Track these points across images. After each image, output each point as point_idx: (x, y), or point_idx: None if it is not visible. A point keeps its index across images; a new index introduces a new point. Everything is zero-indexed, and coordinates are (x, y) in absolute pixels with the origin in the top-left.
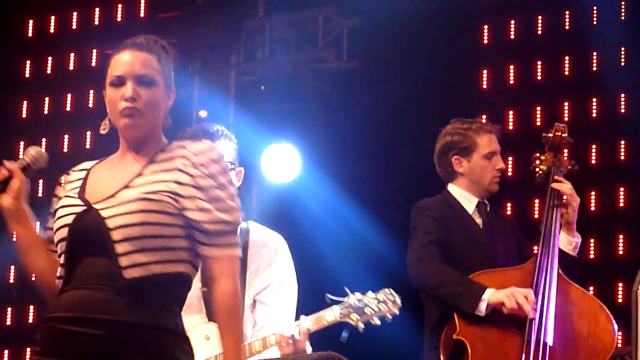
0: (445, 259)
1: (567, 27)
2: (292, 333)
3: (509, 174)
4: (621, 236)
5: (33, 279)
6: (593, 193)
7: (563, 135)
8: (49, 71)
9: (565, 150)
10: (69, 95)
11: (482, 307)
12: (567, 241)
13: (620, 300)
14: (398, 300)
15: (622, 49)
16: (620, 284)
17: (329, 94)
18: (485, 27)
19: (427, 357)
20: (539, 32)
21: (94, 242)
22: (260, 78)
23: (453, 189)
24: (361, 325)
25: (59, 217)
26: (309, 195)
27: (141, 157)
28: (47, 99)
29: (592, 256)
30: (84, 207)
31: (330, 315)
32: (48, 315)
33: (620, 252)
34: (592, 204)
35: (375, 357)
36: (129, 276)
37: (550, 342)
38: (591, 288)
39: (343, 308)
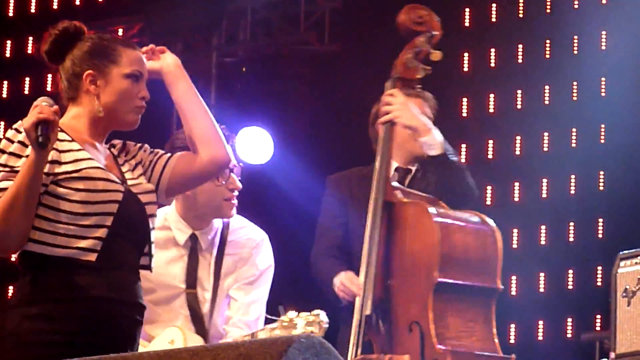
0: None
1: (548, 11)
2: None
3: (489, 156)
4: (600, 220)
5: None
6: (573, 177)
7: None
8: (29, 51)
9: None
10: (49, 76)
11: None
12: (422, 144)
13: (599, 284)
14: (325, 325)
15: (603, 32)
16: (600, 268)
17: (311, 77)
18: (467, 9)
19: None
20: (520, 15)
21: (135, 226)
22: (242, 60)
23: None
24: None
25: (97, 189)
26: (283, 178)
27: (104, 147)
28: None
29: (571, 240)
30: (123, 187)
31: (262, 334)
32: (86, 293)
33: (600, 236)
34: (572, 188)
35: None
36: (149, 263)
37: (368, 312)
38: (570, 271)
39: (274, 328)
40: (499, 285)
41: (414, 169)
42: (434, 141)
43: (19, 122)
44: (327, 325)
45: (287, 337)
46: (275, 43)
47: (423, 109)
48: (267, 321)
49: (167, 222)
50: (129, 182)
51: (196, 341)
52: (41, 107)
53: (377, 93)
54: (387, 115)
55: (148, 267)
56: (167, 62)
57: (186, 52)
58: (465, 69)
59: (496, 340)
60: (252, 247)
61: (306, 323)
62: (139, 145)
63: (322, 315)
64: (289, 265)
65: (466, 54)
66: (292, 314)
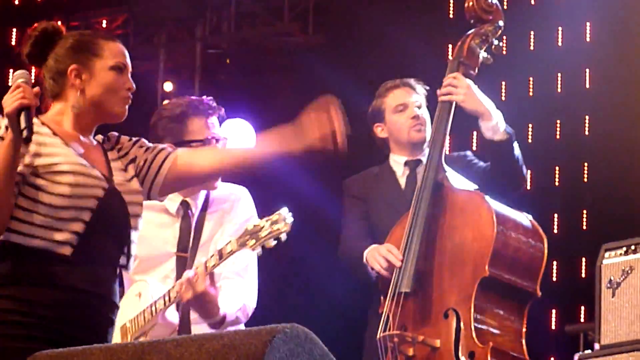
0: (371, 231)
1: (532, 2)
2: (188, 276)
3: (474, 148)
4: (585, 211)
5: None
6: (557, 168)
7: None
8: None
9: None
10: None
11: (370, 270)
12: (484, 128)
13: (583, 276)
14: (289, 219)
15: (587, 23)
16: (584, 259)
17: (294, 68)
18: (451, 0)
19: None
20: (505, 7)
21: (116, 224)
22: (226, 51)
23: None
24: (258, 250)
25: (78, 184)
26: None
27: (92, 141)
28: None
29: (555, 231)
30: (106, 183)
31: (229, 247)
32: (60, 282)
33: (584, 227)
34: (557, 180)
35: (338, 329)
36: (126, 263)
37: (407, 289)
38: (555, 263)
39: (239, 238)
40: (538, 291)
41: (424, 159)
42: (498, 127)
43: None
44: (292, 220)
45: (272, 328)
46: (259, 34)
47: None
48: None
49: None
50: (116, 180)
51: (160, 291)
52: (24, 88)
53: (360, 85)
54: (450, 95)
55: (125, 267)
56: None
57: (170, 43)
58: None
59: (524, 344)
60: (234, 200)
61: (271, 223)
62: (134, 140)
63: (284, 211)
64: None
65: (450, 45)
66: (255, 221)
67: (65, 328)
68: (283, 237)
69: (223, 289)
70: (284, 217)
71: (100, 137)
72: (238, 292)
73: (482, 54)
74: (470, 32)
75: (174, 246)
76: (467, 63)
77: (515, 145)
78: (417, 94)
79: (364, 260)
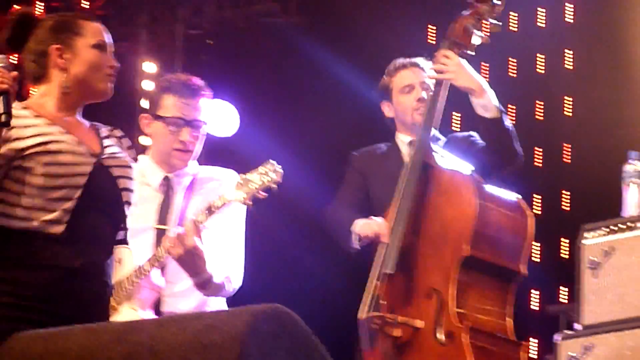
0: (370, 206)
1: None
2: (178, 232)
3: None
4: (566, 192)
5: None
6: (539, 149)
7: None
8: None
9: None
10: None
11: (354, 239)
12: (476, 105)
13: (564, 256)
14: (279, 169)
15: (569, 5)
16: (565, 240)
17: (277, 49)
18: None
19: None
20: None
21: (107, 199)
22: (207, 32)
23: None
24: (249, 202)
25: (66, 163)
26: (247, 151)
27: (79, 120)
28: None
29: (537, 212)
30: (94, 159)
31: (219, 201)
32: (51, 262)
33: (565, 208)
34: (537, 160)
35: (321, 311)
36: (124, 237)
37: (390, 271)
38: (536, 244)
39: (229, 191)
40: (523, 270)
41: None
42: (491, 104)
43: None
44: (281, 170)
45: (254, 308)
46: (241, 15)
47: None
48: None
49: (142, 172)
50: (107, 154)
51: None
52: (1, 73)
53: (343, 65)
54: (441, 74)
55: (124, 242)
56: None
57: (151, 24)
58: (432, 41)
59: (510, 325)
60: (220, 178)
61: (261, 175)
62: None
63: (273, 162)
64: (257, 237)
65: (430, 25)
66: (242, 175)
67: (58, 308)
68: (274, 187)
69: (209, 260)
70: (274, 167)
71: (106, 126)
72: (224, 263)
73: (478, 34)
74: (465, 12)
75: (155, 220)
76: (461, 42)
77: (507, 120)
78: (425, 75)
79: (352, 228)
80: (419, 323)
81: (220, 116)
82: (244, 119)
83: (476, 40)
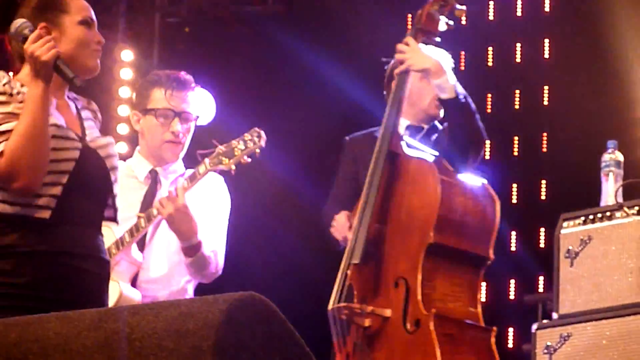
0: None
1: None
2: (170, 191)
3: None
4: (544, 181)
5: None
6: (516, 138)
7: None
8: None
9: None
10: None
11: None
12: (435, 86)
13: (542, 245)
14: (263, 134)
15: None
16: (543, 229)
17: (254, 38)
18: None
19: None
20: None
21: (95, 182)
22: (185, 20)
23: None
24: (233, 167)
25: (55, 148)
26: (225, 139)
27: (65, 100)
28: None
29: (514, 201)
30: (81, 144)
31: (202, 167)
32: (40, 248)
33: (543, 198)
34: (516, 150)
35: (301, 301)
36: (114, 215)
37: (356, 261)
38: (513, 233)
39: (212, 158)
40: (491, 255)
41: (426, 127)
42: (447, 84)
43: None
44: (264, 135)
45: (229, 296)
46: (218, 3)
47: None
48: (203, 156)
49: (131, 166)
50: (89, 137)
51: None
52: (43, 37)
53: (320, 54)
54: (401, 65)
55: (114, 219)
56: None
57: (129, 12)
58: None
59: (479, 310)
60: (209, 181)
61: (244, 141)
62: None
63: (255, 131)
64: (238, 223)
65: (410, 15)
66: (226, 143)
67: (55, 294)
68: (257, 152)
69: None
70: (258, 132)
71: (82, 98)
72: (210, 238)
73: (443, 19)
74: None
75: (138, 209)
76: (426, 29)
77: (470, 102)
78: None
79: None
80: (388, 312)
81: (196, 103)
82: (221, 107)
83: (442, 26)
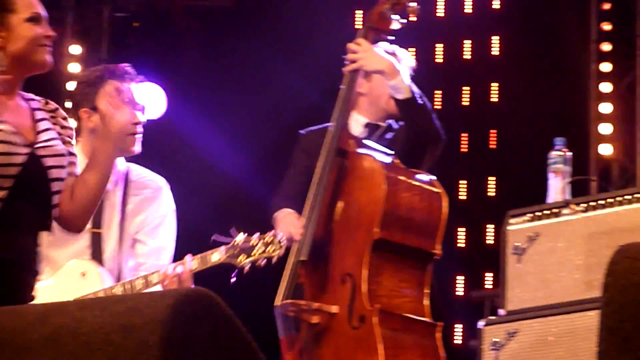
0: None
1: None
2: (177, 272)
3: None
4: (492, 178)
5: None
6: (465, 135)
7: None
8: None
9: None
10: None
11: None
12: (390, 87)
13: (490, 242)
14: (285, 243)
15: None
16: (490, 226)
17: (203, 32)
18: None
19: None
20: None
21: (37, 189)
22: (134, 14)
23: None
24: (247, 267)
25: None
26: (175, 133)
27: (21, 99)
28: None
29: (463, 197)
30: (27, 149)
31: (216, 255)
32: None
33: (491, 194)
34: (464, 146)
35: (245, 296)
36: (49, 225)
37: (304, 258)
38: (461, 230)
39: (229, 249)
40: (438, 250)
41: (384, 125)
42: (402, 84)
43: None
44: (286, 243)
45: (176, 291)
46: None
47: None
48: (219, 243)
49: None
50: (40, 142)
51: (106, 275)
52: None
53: (269, 49)
54: (352, 64)
55: (48, 229)
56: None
57: (78, 6)
58: (359, 27)
59: (427, 306)
60: (156, 188)
61: (264, 243)
62: (68, 130)
63: (278, 235)
64: (190, 219)
65: (357, 11)
66: (245, 236)
67: None
68: (274, 260)
69: (142, 270)
70: (279, 239)
71: (39, 98)
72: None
73: (395, 18)
74: None
75: (91, 222)
76: (378, 28)
77: (421, 99)
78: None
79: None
80: (334, 309)
81: (147, 97)
82: (171, 101)
83: (395, 24)
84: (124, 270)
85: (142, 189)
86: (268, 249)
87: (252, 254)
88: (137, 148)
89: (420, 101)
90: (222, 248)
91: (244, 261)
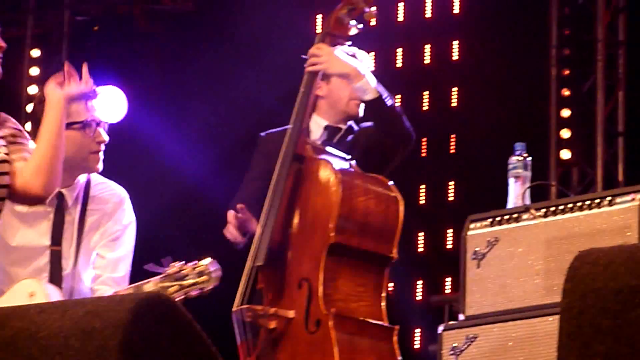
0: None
1: None
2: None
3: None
4: (451, 182)
5: None
6: (424, 140)
7: None
8: None
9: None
10: None
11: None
12: (356, 89)
13: (449, 247)
14: (218, 274)
15: None
16: (450, 230)
17: (164, 36)
18: None
19: None
20: None
21: None
22: (94, 18)
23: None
24: (178, 297)
25: None
26: (136, 136)
27: None
28: None
29: (422, 202)
30: None
31: (150, 286)
32: None
33: (450, 198)
34: (424, 151)
35: (205, 300)
36: None
37: (260, 263)
38: (421, 234)
39: (162, 279)
40: (395, 254)
41: (344, 127)
42: (368, 86)
43: None
44: (219, 273)
45: (136, 295)
46: (128, 2)
47: None
48: (152, 275)
49: None
50: None
51: (56, 294)
52: None
53: (230, 53)
54: (313, 65)
55: None
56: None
57: (39, 9)
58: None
59: (384, 309)
60: (116, 202)
61: (197, 273)
62: (15, 129)
63: (212, 264)
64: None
65: (318, 16)
66: (179, 265)
67: None
68: (206, 290)
69: (98, 294)
70: (211, 270)
71: None
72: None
73: (352, 23)
74: (340, 3)
75: (48, 239)
76: (335, 33)
77: (389, 100)
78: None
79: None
80: (291, 313)
81: (107, 102)
82: (132, 105)
83: (352, 30)
84: (84, 286)
85: (102, 204)
86: (199, 279)
87: (183, 284)
88: (100, 166)
89: (389, 102)
90: (157, 278)
91: (174, 292)
